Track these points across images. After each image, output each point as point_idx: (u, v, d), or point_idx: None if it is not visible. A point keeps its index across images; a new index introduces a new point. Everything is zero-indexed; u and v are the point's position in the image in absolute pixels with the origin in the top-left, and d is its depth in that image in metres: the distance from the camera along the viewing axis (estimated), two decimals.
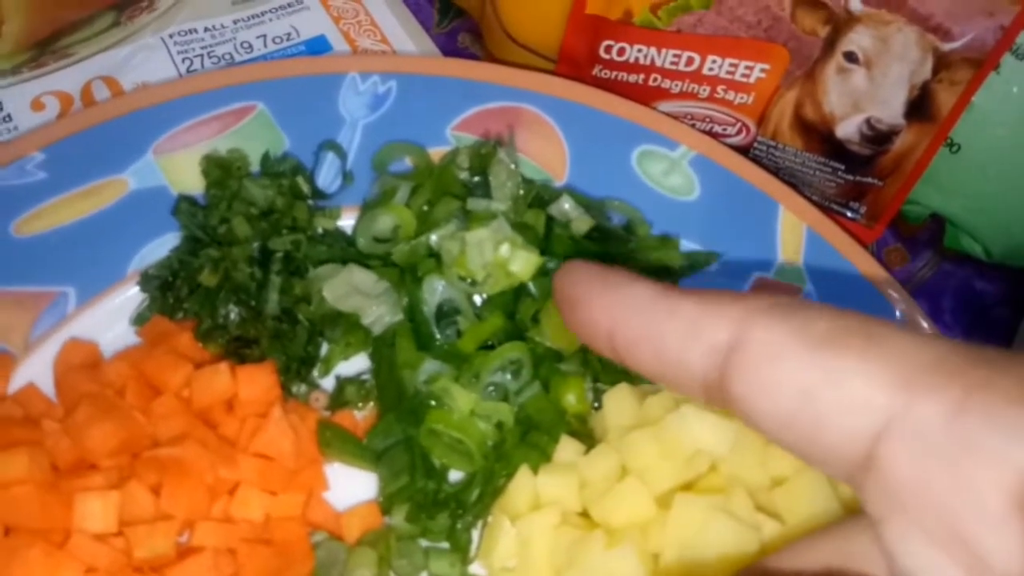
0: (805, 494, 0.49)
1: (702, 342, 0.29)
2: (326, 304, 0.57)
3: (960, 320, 0.71)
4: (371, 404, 0.58)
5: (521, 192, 0.59)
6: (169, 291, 0.56)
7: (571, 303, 0.34)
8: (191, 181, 0.61)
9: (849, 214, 0.71)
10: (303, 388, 0.57)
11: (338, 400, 0.57)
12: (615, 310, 0.32)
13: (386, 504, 0.54)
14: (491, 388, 0.55)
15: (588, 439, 0.56)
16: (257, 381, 0.54)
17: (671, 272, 0.62)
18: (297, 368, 0.57)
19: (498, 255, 0.54)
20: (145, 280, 0.57)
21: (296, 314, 0.57)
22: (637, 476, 0.51)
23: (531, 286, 0.56)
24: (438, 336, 0.56)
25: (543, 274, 0.56)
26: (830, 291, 0.63)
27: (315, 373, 0.58)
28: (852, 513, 0.45)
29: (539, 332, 0.55)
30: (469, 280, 0.56)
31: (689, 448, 0.51)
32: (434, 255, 0.57)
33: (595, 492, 0.52)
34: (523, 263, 0.54)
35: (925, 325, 0.61)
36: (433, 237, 0.57)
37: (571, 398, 0.55)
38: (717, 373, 0.28)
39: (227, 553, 0.49)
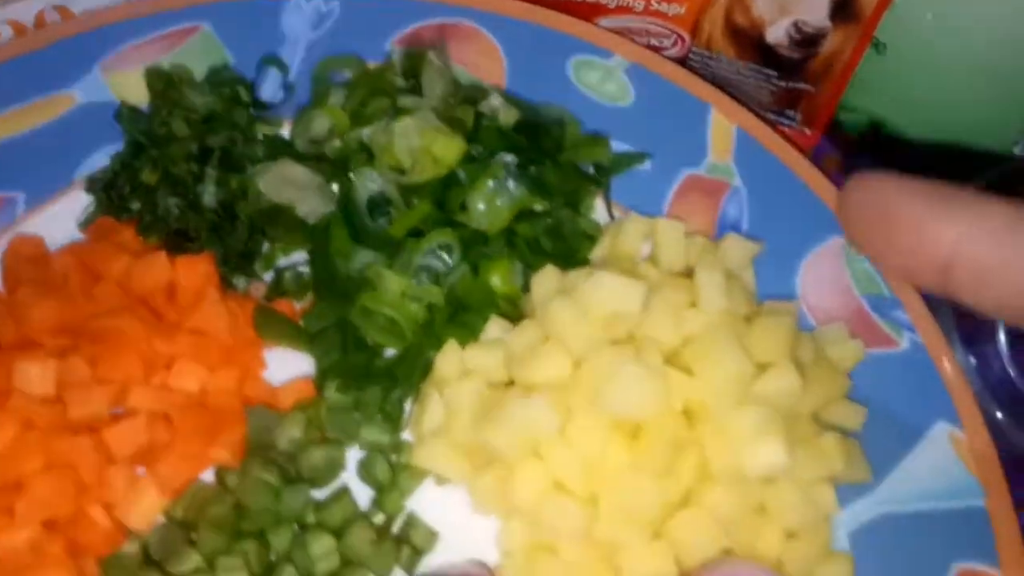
0: (714, 350, 0.50)
1: None
2: (264, 200, 0.59)
3: None
4: (309, 295, 0.60)
5: (452, 91, 0.61)
6: (112, 190, 0.59)
7: (884, 222, 0.30)
8: (137, 96, 0.64)
9: (786, 122, 0.73)
10: (243, 281, 0.59)
11: (276, 289, 0.59)
12: (961, 234, 0.28)
13: (319, 379, 0.57)
14: (422, 272, 0.58)
15: (519, 321, 0.58)
16: (195, 269, 0.56)
17: (601, 170, 0.64)
18: (237, 262, 0.59)
19: (423, 141, 0.56)
20: (90, 183, 0.60)
21: (236, 210, 0.60)
22: (557, 340, 0.53)
23: (460, 174, 0.58)
24: (370, 225, 0.58)
25: (469, 161, 0.58)
26: (758, 187, 0.65)
27: (257, 269, 0.61)
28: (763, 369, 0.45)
29: (467, 217, 0.57)
30: (398, 169, 0.58)
31: (604, 310, 0.53)
32: (366, 150, 0.59)
33: (518, 360, 0.54)
34: (447, 148, 0.57)
35: None
36: (365, 132, 0.59)
37: (497, 279, 0.57)
38: None
39: (162, 418, 0.51)
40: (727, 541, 0.51)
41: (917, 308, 0.61)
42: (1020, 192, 0.60)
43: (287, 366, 0.58)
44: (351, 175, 0.58)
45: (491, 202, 0.56)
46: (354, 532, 0.50)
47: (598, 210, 0.65)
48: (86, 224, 0.60)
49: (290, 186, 0.58)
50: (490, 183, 0.56)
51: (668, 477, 0.50)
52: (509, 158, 0.57)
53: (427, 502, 0.55)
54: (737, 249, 0.57)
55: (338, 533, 0.50)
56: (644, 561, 0.50)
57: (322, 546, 0.49)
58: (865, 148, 0.76)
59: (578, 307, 0.53)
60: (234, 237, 0.59)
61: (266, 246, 0.61)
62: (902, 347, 0.60)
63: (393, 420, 0.55)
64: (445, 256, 0.57)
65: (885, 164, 0.74)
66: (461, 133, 0.58)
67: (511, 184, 0.57)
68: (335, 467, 0.53)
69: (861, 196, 0.32)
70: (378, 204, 0.59)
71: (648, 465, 0.49)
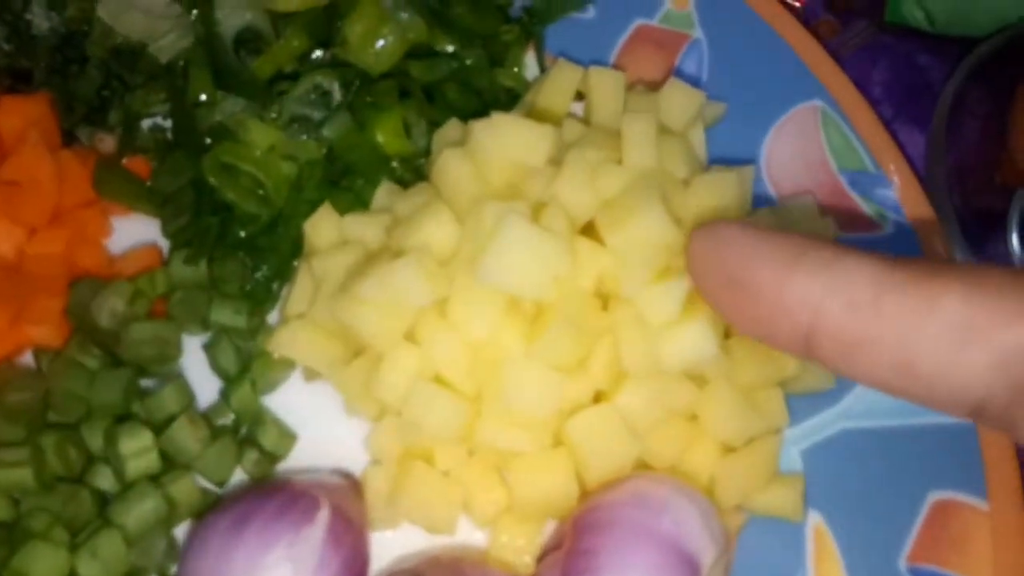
0: (631, 213, 0.39)
1: (986, 351, 0.23)
2: (117, 37, 0.49)
3: (893, 94, 0.60)
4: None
5: None
6: None
7: (733, 286, 0.27)
8: None
9: None
10: (87, 132, 0.49)
11: (128, 144, 0.49)
12: (820, 303, 0.25)
13: (169, 252, 0.47)
14: (295, 124, 0.47)
15: None
16: (20, 112, 0.46)
17: (532, 14, 0.52)
18: (87, 112, 0.49)
19: None
20: None
21: (84, 50, 0.49)
22: (447, 199, 0.43)
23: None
24: (237, 66, 0.48)
25: None
26: (722, 39, 0.53)
27: (112, 121, 0.50)
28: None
29: (346, 52, 0.46)
30: None
31: (503, 161, 0.42)
32: None
33: (401, 226, 0.43)
34: None
35: (827, 63, 0.52)
36: None
37: (382, 134, 0.46)
38: (1006, 395, 0.22)
39: None
40: (645, 454, 0.41)
41: (908, 186, 0.50)
42: None
43: (143, 235, 0.49)
44: (214, 3, 0.47)
45: (374, 33, 0.45)
46: (177, 428, 0.40)
47: (529, 66, 0.54)
48: None
49: (136, 12, 0.47)
50: (374, 9, 0.45)
51: (573, 372, 0.40)
52: None
53: (292, 399, 0.45)
54: (680, 99, 0.46)
55: (161, 429, 0.41)
56: (537, 472, 0.40)
57: (135, 442, 0.39)
58: (863, 13, 0.64)
59: (472, 159, 0.42)
60: (83, 81, 0.49)
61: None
62: (885, 231, 0.49)
63: (256, 301, 0.45)
64: (319, 104, 0.46)
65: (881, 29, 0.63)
66: None
67: (403, 15, 0.46)
68: (167, 348, 0.43)
69: (707, 254, 0.28)
70: (247, 40, 0.48)
71: (547, 355, 0.39)
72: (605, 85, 0.48)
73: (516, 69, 0.52)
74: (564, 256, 0.39)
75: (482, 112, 0.47)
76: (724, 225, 0.29)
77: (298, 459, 0.44)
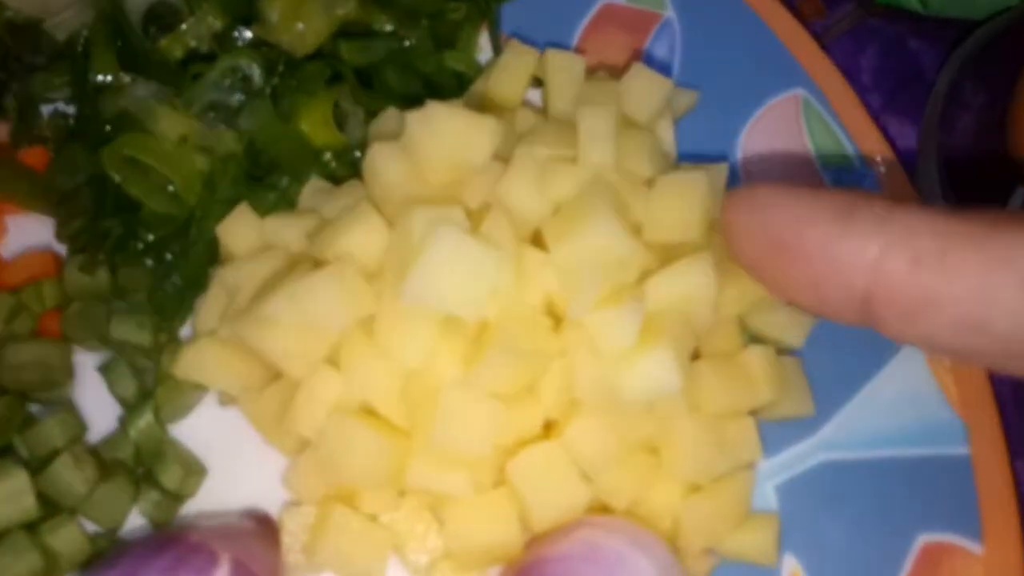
0: (581, 221, 0.34)
1: None
2: (10, 11, 0.43)
3: (882, 82, 0.55)
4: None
5: None
6: None
7: (779, 250, 0.25)
8: None
9: None
10: None
11: (24, 134, 0.43)
12: (878, 258, 0.23)
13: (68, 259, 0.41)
14: (212, 113, 0.42)
15: None
16: None
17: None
18: None
19: None
20: None
21: None
22: (377, 200, 0.37)
23: None
24: (147, 46, 0.42)
25: None
26: (697, 20, 0.48)
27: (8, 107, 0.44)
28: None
29: (267, 30, 0.41)
30: None
31: (440, 158, 0.37)
32: None
33: (327, 230, 0.38)
34: None
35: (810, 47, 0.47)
36: None
37: (308, 124, 0.41)
38: None
39: None
40: (601, 492, 0.36)
41: (897, 184, 0.45)
42: None
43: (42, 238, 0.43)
44: None
45: (296, 9, 0.40)
46: (59, 466, 0.35)
47: (484, 48, 0.48)
48: None
49: None
50: None
51: (518, 401, 0.35)
52: None
53: (204, 427, 0.40)
54: (645, 87, 0.41)
55: (40, 466, 0.35)
56: (476, 517, 0.35)
57: (6, 484, 0.34)
58: None
59: (407, 155, 0.37)
60: None
61: None
62: None
63: (165, 314, 0.40)
64: (238, 90, 0.41)
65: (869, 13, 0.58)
66: None
67: None
68: (52, 373, 0.37)
69: (747, 219, 0.27)
70: (160, 16, 0.42)
71: (487, 382, 0.34)
72: (563, 71, 0.43)
73: (468, 52, 0.47)
74: (505, 270, 0.34)
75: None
76: (763, 187, 0.27)
77: (209, 497, 0.39)
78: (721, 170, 0.41)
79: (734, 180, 0.45)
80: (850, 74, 0.56)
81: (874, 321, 0.24)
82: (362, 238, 0.36)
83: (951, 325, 0.23)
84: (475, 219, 0.36)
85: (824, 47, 0.55)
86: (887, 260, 0.23)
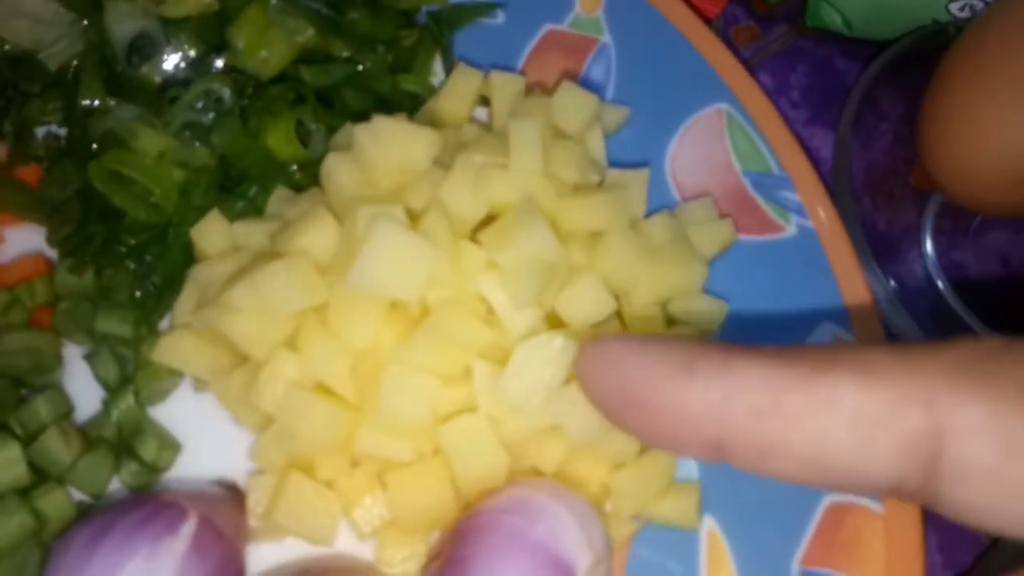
0: (509, 219, 0.39)
1: (891, 441, 0.22)
2: (3, 44, 0.48)
3: (811, 98, 0.60)
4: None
5: None
6: None
7: (632, 404, 0.26)
8: None
9: None
10: None
11: (20, 152, 0.48)
12: (721, 408, 0.24)
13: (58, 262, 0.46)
14: (187, 131, 0.46)
15: None
16: None
17: (439, 20, 0.52)
18: None
19: None
20: None
21: None
22: (332, 204, 0.42)
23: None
24: (130, 73, 0.47)
25: None
26: (630, 42, 0.53)
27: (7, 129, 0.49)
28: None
29: (235, 57, 0.46)
30: None
31: (386, 165, 0.41)
32: None
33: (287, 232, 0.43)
34: None
35: (738, 68, 0.51)
36: None
37: (273, 139, 0.46)
38: (919, 475, 0.22)
39: None
40: (535, 459, 0.40)
41: (811, 187, 0.49)
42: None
43: (35, 245, 0.48)
44: (105, 7, 0.47)
45: (259, 39, 0.45)
46: (47, 438, 0.39)
47: (439, 71, 0.53)
48: None
49: (26, 21, 0.47)
50: (259, 14, 0.44)
51: (455, 380, 0.39)
52: None
53: (181, 409, 0.44)
54: (573, 103, 0.46)
55: (31, 440, 0.40)
56: (415, 482, 0.39)
57: (4, 453, 0.38)
58: (784, 18, 0.64)
59: (357, 163, 0.42)
60: None
61: None
62: (788, 233, 0.48)
63: (145, 310, 0.44)
64: (212, 110, 0.46)
65: (800, 34, 0.62)
66: None
67: (291, 20, 0.45)
68: (43, 359, 0.42)
69: (602, 375, 0.27)
70: (141, 46, 0.47)
71: (418, 358, 0.38)
72: (504, 89, 0.48)
73: (423, 75, 0.52)
74: (440, 259, 0.38)
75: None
76: (612, 342, 0.27)
77: (184, 469, 0.43)
78: (642, 175, 0.45)
79: (664, 185, 0.49)
80: (781, 90, 0.61)
81: (733, 464, 0.25)
82: (316, 235, 0.40)
83: (797, 465, 0.24)
84: (417, 217, 0.40)
85: (758, 66, 0.60)
86: (730, 412, 0.24)
